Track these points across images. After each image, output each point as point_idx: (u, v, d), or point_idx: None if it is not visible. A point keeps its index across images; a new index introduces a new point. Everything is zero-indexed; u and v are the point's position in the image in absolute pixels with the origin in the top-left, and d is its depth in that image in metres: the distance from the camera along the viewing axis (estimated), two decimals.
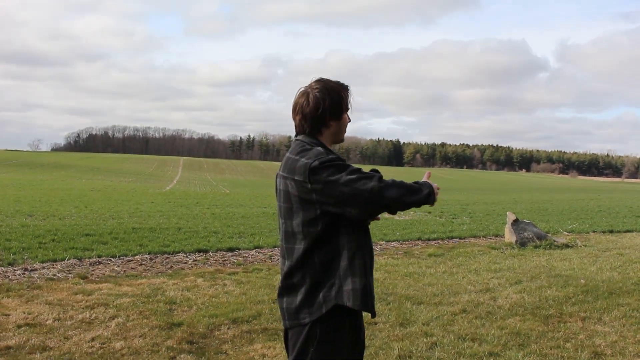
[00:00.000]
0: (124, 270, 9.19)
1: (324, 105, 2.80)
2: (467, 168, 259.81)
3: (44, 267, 9.13)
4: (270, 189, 58.71)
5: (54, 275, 8.61)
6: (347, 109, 2.89)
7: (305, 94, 2.86)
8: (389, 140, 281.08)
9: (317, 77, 2.92)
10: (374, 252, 11.78)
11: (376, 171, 2.73)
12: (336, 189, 2.60)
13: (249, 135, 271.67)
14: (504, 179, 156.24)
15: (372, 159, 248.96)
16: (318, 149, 2.74)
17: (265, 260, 10.58)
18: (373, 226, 16.26)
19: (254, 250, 11.61)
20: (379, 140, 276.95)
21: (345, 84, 2.91)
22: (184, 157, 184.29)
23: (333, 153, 2.76)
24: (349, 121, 2.94)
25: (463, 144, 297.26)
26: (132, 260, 10.13)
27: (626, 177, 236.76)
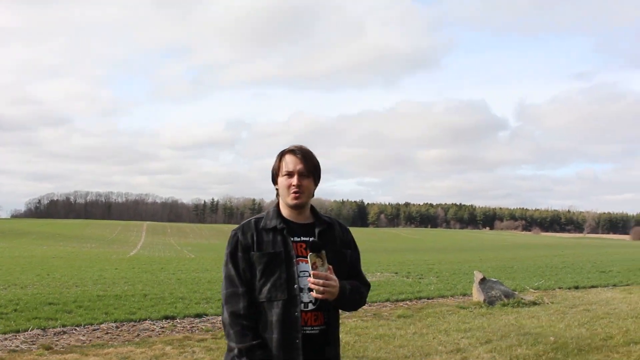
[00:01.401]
0: (90, 340, 9.00)
1: (272, 169, 3.22)
2: (431, 227, 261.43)
3: (6, 339, 8.90)
4: None
5: (17, 346, 8.39)
6: (280, 172, 3.15)
7: None
8: (353, 201, 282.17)
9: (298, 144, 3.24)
10: (344, 314, 11.76)
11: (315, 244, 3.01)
12: None
13: (212, 199, 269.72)
14: (468, 237, 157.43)
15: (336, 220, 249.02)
16: (248, 219, 3.21)
17: None
18: None
19: None
20: (343, 202, 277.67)
21: (285, 149, 3.18)
22: (148, 222, 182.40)
23: (278, 219, 3.13)
24: (290, 184, 3.12)
25: (427, 203, 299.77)
26: (97, 329, 9.92)
27: (588, 232, 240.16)
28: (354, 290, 3.11)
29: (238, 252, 3.07)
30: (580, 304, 13.48)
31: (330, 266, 2.98)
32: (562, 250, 59.98)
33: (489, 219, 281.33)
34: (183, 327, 10.30)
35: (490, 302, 12.93)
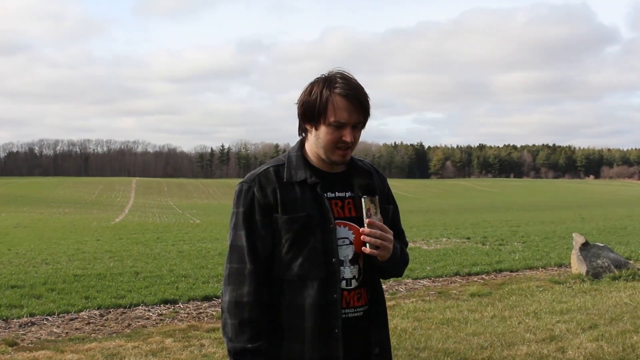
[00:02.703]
0: (67, 332, 9.18)
1: (300, 101, 3.11)
2: (515, 177, 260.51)
3: None
4: None
5: None
6: (323, 117, 3.02)
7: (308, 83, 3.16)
8: (409, 144, 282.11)
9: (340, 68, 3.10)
10: (399, 294, 11.82)
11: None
12: None
13: (222, 146, 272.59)
14: (565, 189, 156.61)
15: (388, 170, 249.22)
16: (262, 167, 3.17)
17: None
18: None
19: None
20: (396, 145, 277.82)
21: (334, 83, 3.02)
22: (137, 178, 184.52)
23: (306, 169, 3.10)
24: (338, 139, 3.03)
25: (508, 145, 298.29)
26: (76, 318, 10.12)
27: None
28: (403, 252, 3.21)
29: (255, 214, 3.04)
30: None
31: (381, 217, 3.05)
32: None
33: (593, 164, 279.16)
34: (187, 313, 10.47)
35: (595, 274, 12.89)
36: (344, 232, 3.05)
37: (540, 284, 12.58)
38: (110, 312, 10.55)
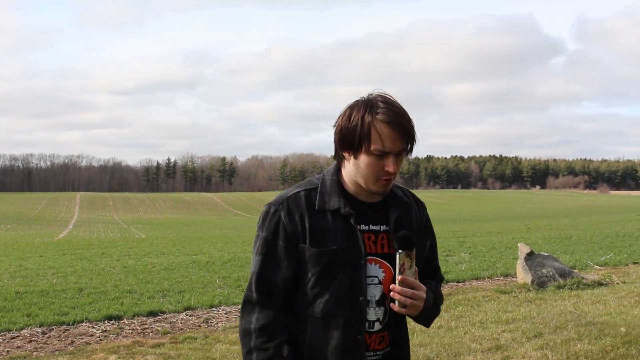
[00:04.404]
0: (8, 351, 9.07)
1: (337, 127, 2.91)
2: (462, 188, 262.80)
3: None
4: (201, 228, 58.52)
5: None
6: (366, 145, 2.81)
7: (345, 107, 2.93)
8: None
9: (378, 89, 2.91)
10: None
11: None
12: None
13: (168, 159, 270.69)
14: (511, 199, 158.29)
15: None
16: (293, 190, 2.99)
17: (199, 325, 10.55)
18: None
19: (183, 313, 11.57)
20: None
21: (377, 110, 2.80)
22: (82, 193, 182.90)
23: (341, 197, 2.93)
24: (382, 169, 2.85)
25: (456, 156, 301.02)
26: (17, 336, 9.99)
27: None
28: (436, 301, 3.06)
29: (278, 239, 2.88)
30: None
31: (417, 268, 2.89)
32: (638, 213, 60.33)
33: (539, 175, 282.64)
34: (132, 329, 10.39)
35: (540, 283, 13.05)
36: (374, 269, 2.89)
37: (487, 294, 12.70)
38: (52, 329, 10.43)
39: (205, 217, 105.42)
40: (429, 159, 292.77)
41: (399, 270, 2.79)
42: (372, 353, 2.91)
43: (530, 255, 13.67)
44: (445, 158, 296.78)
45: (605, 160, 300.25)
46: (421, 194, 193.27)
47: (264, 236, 2.90)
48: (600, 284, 13.44)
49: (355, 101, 2.86)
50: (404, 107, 2.85)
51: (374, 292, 2.87)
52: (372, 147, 2.76)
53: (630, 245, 22.75)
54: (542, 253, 14.35)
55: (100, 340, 9.67)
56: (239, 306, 12.00)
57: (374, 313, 2.88)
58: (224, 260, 20.51)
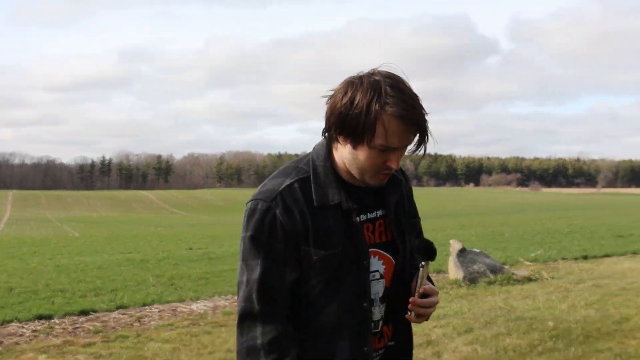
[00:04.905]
0: None
1: (334, 107, 2.51)
2: None
3: None
4: (136, 226, 58.04)
5: None
6: (370, 137, 2.44)
7: (343, 83, 2.54)
8: (293, 154, 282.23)
9: (388, 68, 2.54)
10: None
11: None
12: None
13: (103, 157, 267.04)
14: (445, 197, 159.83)
15: None
16: (283, 181, 2.58)
17: (132, 324, 10.46)
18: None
19: (116, 312, 11.46)
20: (280, 155, 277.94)
21: (387, 98, 2.42)
22: (14, 191, 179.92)
23: (339, 188, 2.58)
24: (383, 163, 2.53)
25: None
26: None
27: (603, 187, 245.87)
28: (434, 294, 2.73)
29: (275, 242, 2.51)
30: (589, 279, 13.86)
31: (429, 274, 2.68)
32: (568, 210, 61.39)
33: (473, 172, 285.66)
34: (63, 328, 10.26)
35: (471, 279, 13.19)
36: (375, 264, 2.62)
37: None
38: None
39: (140, 215, 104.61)
40: None
41: (420, 281, 2.58)
42: (374, 354, 2.67)
43: (462, 252, 13.81)
44: None
45: (537, 159, 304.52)
46: None
47: (256, 237, 2.49)
48: (529, 279, 13.64)
49: (359, 78, 2.47)
50: (413, 91, 2.49)
51: (377, 289, 2.63)
52: (377, 142, 2.42)
53: (559, 242, 23.12)
54: (474, 250, 14.52)
55: (30, 340, 9.53)
56: (173, 304, 12.00)
57: (378, 312, 2.65)
58: (159, 258, 20.37)
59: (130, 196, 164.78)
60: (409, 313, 2.59)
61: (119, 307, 11.81)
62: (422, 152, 2.54)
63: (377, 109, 2.38)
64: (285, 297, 2.51)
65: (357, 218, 2.57)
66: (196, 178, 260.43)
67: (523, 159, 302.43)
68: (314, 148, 2.67)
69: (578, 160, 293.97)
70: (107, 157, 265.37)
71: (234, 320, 9.48)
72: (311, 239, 2.50)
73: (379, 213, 2.66)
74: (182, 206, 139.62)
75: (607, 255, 18.61)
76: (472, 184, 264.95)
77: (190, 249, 25.16)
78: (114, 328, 10.22)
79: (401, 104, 2.39)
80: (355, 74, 2.51)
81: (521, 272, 14.32)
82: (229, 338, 9.11)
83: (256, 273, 2.48)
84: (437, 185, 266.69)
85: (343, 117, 2.44)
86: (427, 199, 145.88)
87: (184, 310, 11.58)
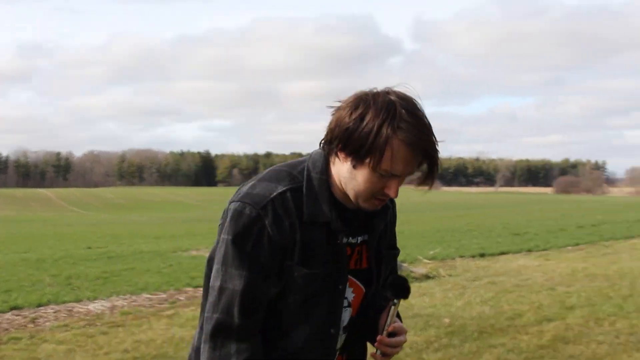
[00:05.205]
0: None
1: (341, 122, 2.33)
2: None
3: None
4: (33, 224, 56.79)
5: None
6: (376, 161, 2.27)
7: (354, 97, 2.36)
8: (196, 152, 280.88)
9: (404, 89, 2.36)
10: (179, 302, 11.73)
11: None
12: (213, 265, 2.43)
13: None
14: None
15: (174, 178, 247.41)
16: (274, 188, 2.40)
17: (25, 325, 10.25)
18: (176, 268, 16.20)
19: (9, 313, 11.19)
20: (182, 153, 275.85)
21: (406, 113, 2.26)
22: None
23: (332, 207, 2.42)
24: (381, 189, 2.36)
25: (295, 152, 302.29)
26: None
27: (501, 186, 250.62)
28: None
29: (261, 253, 2.34)
30: (485, 276, 14.17)
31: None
32: (467, 209, 62.53)
33: None
34: None
35: None
36: (349, 293, 2.50)
37: None
38: None
39: (39, 214, 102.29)
40: (268, 155, 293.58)
41: (390, 319, 2.45)
42: None
43: None
44: (285, 155, 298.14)
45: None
46: None
47: (240, 245, 2.32)
48: (428, 277, 13.87)
49: (373, 95, 2.30)
50: (427, 118, 2.32)
51: (344, 317, 2.50)
52: (380, 166, 2.26)
53: (458, 240, 23.54)
54: None
55: None
56: (69, 304, 11.78)
57: (339, 341, 2.52)
58: (56, 258, 19.93)
59: (28, 194, 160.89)
60: (376, 351, 2.47)
61: (12, 308, 11.55)
62: (429, 184, 2.39)
63: (388, 132, 2.22)
64: (263, 313, 2.37)
65: (343, 240, 2.43)
66: (96, 176, 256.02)
67: None
68: (310, 156, 2.50)
69: (477, 159, 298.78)
70: (4, 154, 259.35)
71: (132, 319, 9.45)
72: (296, 254, 2.35)
73: (361, 239, 2.52)
74: (82, 205, 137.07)
75: (503, 253, 19.05)
76: None
77: (89, 248, 24.70)
78: (6, 330, 9.99)
79: (414, 131, 2.23)
80: (369, 89, 2.35)
81: (420, 269, 14.54)
82: (126, 338, 9.04)
83: (238, 285, 2.30)
84: None
85: (350, 133, 2.27)
86: None
87: (80, 310, 11.39)
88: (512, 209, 56.10)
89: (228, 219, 2.36)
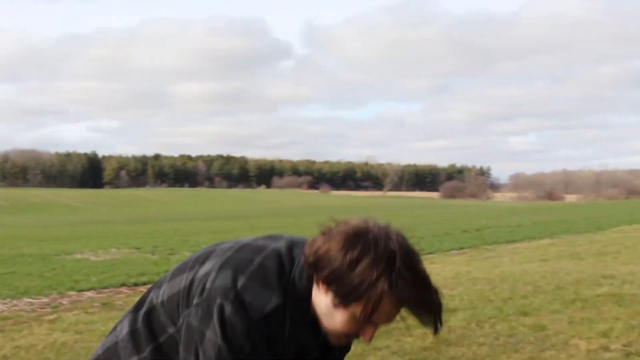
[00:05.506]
0: None
1: (331, 259, 2.19)
2: (190, 186, 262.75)
3: None
4: None
5: None
6: (360, 309, 2.17)
7: (352, 230, 2.28)
8: (82, 153, 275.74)
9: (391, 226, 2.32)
10: (61, 307, 11.54)
11: None
12: (187, 340, 2.30)
13: None
14: (237, 198, 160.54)
15: (59, 180, 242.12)
16: (271, 296, 2.27)
17: None
18: (59, 271, 15.89)
19: None
20: (68, 154, 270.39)
21: (407, 271, 2.14)
22: None
23: (313, 332, 2.34)
24: (355, 332, 2.28)
25: (184, 155, 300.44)
26: None
27: (389, 190, 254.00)
28: None
29: (259, 344, 2.24)
30: None
31: None
32: (355, 212, 63.06)
33: (265, 174, 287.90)
34: None
35: None
36: None
37: None
38: None
39: None
40: (156, 157, 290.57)
41: None
42: None
43: None
44: (174, 157, 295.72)
45: (328, 162, 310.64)
46: (148, 192, 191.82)
47: (234, 353, 2.20)
48: None
49: (374, 238, 2.18)
50: (426, 271, 2.23)
51: None
52: (362, 314, 2.15)
53: None
54: None
55: None
56: None
57: None
58: None
59: None
60: None
61: None
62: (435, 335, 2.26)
63: (384, 287, 2.10)
64: None
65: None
66: None
67: (314, 162, 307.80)
68: (298, 261, 2.37)
69: (366, 164, 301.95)
70: None
71: (11, 325, 9.21)
72: (279, 351, 2.29)
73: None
74: None
75: None
76: (263, 186, 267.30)
77: None
78: None
79: (410, 290, 2.12)
80: (370, 224, 2.27)
81: None
82: (5, 344, 8.83)
83: None
84: (230, 186, 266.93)
85: (340, 275, 2.15)
86: (219, 200, 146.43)
87: None
88: (399, 213, 56.96)
89: (216, 319, 2.21)
